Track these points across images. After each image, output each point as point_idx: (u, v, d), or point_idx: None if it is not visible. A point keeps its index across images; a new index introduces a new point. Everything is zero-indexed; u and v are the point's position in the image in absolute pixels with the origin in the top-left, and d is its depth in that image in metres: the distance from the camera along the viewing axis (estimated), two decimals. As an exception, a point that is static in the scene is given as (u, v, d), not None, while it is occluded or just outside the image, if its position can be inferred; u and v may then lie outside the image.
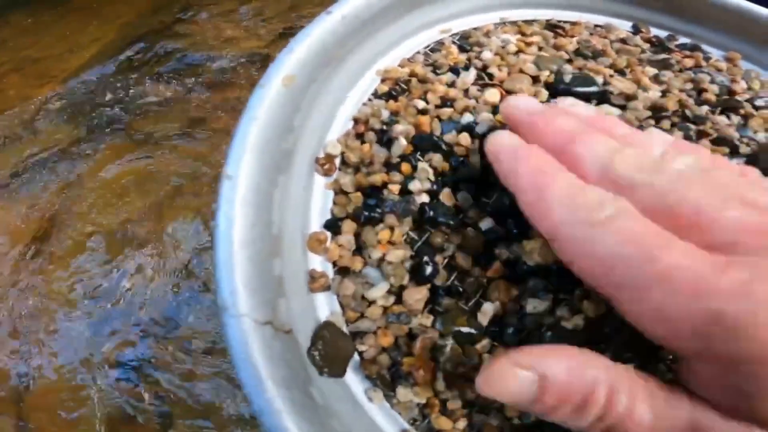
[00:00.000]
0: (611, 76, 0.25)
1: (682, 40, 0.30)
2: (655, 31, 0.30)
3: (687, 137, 0.23)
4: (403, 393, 0.19)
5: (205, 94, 0.83)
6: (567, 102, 0.19)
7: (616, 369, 0.13)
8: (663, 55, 0.27)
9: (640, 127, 0.22)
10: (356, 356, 0.20)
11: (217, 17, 0.97)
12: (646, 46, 0.28)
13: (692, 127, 0.23)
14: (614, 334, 0.16)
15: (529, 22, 0.30)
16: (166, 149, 0.76)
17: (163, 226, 0.69)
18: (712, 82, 0.25)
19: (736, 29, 0.30)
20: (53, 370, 0.58)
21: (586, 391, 0.12)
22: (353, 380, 0.20)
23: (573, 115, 0.17)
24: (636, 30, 0.30)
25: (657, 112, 0.24)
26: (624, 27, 0.30)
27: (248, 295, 0.15)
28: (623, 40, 0.28)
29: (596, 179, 0.14)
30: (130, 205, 0.71)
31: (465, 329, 0.19)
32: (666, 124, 0.23)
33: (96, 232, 0.69)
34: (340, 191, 0.21)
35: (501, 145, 0.17)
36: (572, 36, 0.28)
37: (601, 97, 0.24)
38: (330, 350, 0.19)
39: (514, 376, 0.13)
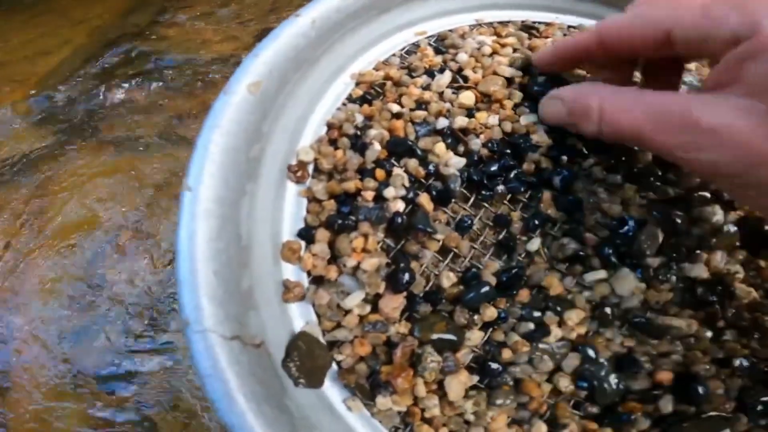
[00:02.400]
0: (584, 77, 0.25)
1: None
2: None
3: None
4: (382, 402, 0.19)
5: (183, 98, 0.81)
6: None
7: (608, 86, 0.19)
8: (635, 56, 0.27)
9: None
10: (334, 366, 0.19)
11: (194, 20, 0.96)
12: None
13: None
14: None
15: (504, 23, 0.30)
16: (143, 155, 0.74)
17: (143, 231, 0.67)
18: (681, 82, 0.26)
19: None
20: (31, 378, 0.56)
21: (585, 101, 0.19)
22: (331, 390, 0.19)
23: None
24: (608, 31, 0.30)
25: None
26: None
27: (214, 311, 0.15)
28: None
29: None
30: (107, 212, 0.69)
31: (445, 336, 0.19)
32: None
33: (71, 239, 0.67)
34: (313, 199, 0.20)
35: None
36: (546, 37, 0.28)
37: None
38: (306, 361, 0.19)
39: (548, 102, 0.21)
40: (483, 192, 0.21)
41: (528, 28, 0.29)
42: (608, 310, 0.19)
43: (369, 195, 0.20)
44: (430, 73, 0.25)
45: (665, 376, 0.19)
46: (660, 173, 0.22)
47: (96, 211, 0.69)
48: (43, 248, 0.66)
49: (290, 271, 0.20)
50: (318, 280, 0.20)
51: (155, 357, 0.58)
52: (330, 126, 0.22)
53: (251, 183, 0.18)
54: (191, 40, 0.90)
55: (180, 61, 0.86)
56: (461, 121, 0.22)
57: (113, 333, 0.60)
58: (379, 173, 0.20)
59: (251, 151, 0.18)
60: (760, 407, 0.18)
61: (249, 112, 0.18)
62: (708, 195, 0.21)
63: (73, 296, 0.62)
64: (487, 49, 0.26)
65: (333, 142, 0.22)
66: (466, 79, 0.24)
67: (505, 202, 0.21)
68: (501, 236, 0.21)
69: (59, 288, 0.63)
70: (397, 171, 0.21)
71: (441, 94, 0.24)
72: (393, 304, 0.19)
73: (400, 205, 0.20)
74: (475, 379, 0.19)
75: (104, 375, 0.57)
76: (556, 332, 0.19)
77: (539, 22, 0.30)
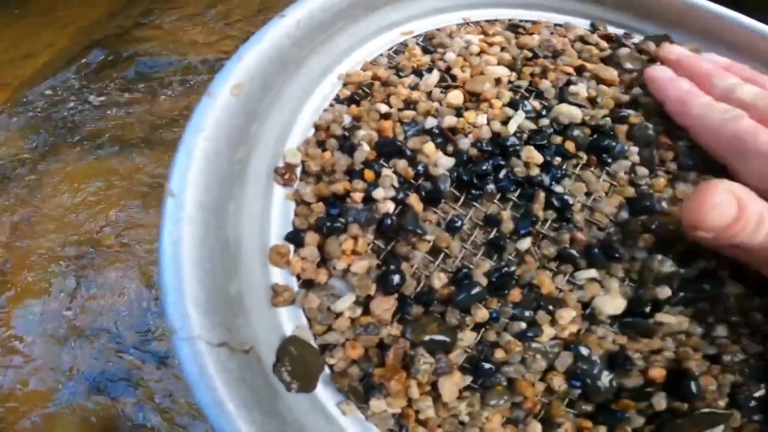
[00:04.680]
0: None
1: (638, 37, 0.30)
2: (611, 29, 0.31)
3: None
4: (376, 404, 0.19)
5: (169, 101, 0.80)
6: (708, 55, 0.26)
7: None
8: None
9: None
10: (326, 370, 0.19)
11: (180, 21, 0.94)
12: (604, 44, 0.29)
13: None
14: None
15: (491, 22, 0.30)
16: (129, 159, 0.73)
17: (131, 236, 0.66)
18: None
19: (691, 26, 0.30)
20: (24, 386, 0.55)
21: (763, 210, 0.16)
22: (324, 394, 0.19)
23: (713, 61, 0.25)
24: (594, 28, 0.30)
25: (616, 111, 0.24)
26: (582, 25, 0.31)
27: (200, 318, 0.14)
28: (582, 39, 0.28)
29: (721, 99, 0.21)
30: (94, 218, 0.68)
31: (437, 337, 0.19)
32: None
33: (59, 246, 0.65)
34: (301, 201, 0.20)
35: (658, 71, 0.24)
36: (532, 33, 0.28)
37: (562, 95, 0.24)
38: (298, 365, 0.18)
39: (714, 200, 0.16)
40: (473, 191, 0.21)
41: (515, 27, 0.29)
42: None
43: (358, 196, 0.20)
44: (418, 72, 0.25)
45: (658, 373, 0.19)
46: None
47: (82, 214, 0.68)
48: (29, 254, 0.64)
49: (279, 275, 0.19)
50: (307, 284, 0.19)
51: (151, 360, 0.58)
52: (317, 127, 0.22)
53: (237, 186, 0.18)
54: (177, 42, 0.89)
55: (165, 63, 0.85)
56: (450, 120, 0.22)
57: (107, 337, 0.59)
58: (368, 174, 0.20)
59: (236, 154, 0.18)
60: (753, 403, 0.19)
61: (233, 115, 0.17)
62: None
63: (63, 301, 0.61)
64: (475, 48, 0.26)
65: (321, 144, 0.22)
66: (454, 78, 0.24)
67: (495, 201, 0.21)
68: (491, 236, 0.20)
69: (48, 294, 0.62)
70: (386, 172, 0.20)
71: (429, 94, 0.24)
72: (384, 306, 0.19)
73: (389, 206, 0.20)
74: (469, 379, 0.19)
75: (102, 379, 0.56)
76: (548, 331, 0.19)
77: (526, 21, 0.30)
